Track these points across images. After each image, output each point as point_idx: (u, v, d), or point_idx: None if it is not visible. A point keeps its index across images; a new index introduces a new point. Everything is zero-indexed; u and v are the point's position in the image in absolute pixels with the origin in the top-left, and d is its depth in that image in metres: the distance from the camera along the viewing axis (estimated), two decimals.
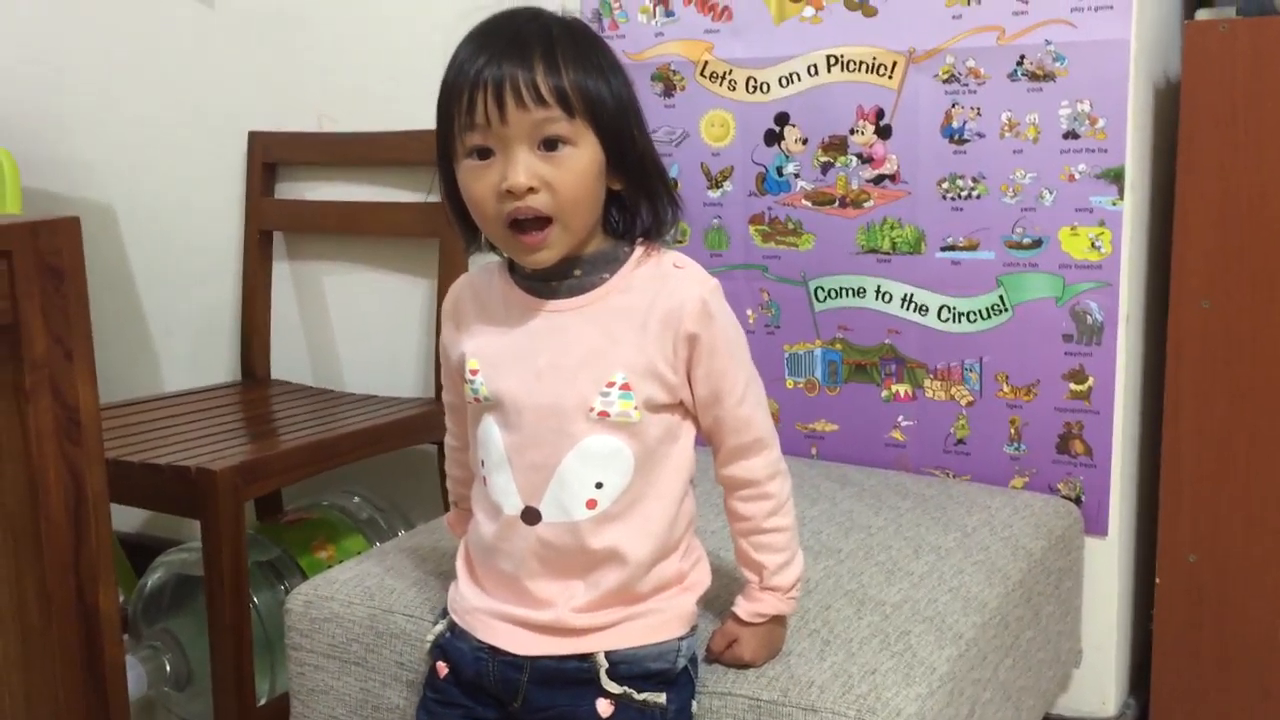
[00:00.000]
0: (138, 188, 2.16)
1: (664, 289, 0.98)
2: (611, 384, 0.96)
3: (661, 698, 0.99)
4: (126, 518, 2.16)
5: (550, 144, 0.93)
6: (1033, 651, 1.32)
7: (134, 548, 2.04)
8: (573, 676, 0.99)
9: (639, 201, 1.00)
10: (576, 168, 0.94)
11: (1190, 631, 1.48)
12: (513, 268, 1.03)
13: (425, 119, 1.79)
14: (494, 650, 1.00)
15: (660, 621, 0.99)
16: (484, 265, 1.06)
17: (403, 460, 1.86)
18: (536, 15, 0.97)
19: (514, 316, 1.01)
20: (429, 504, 1.84)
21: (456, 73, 0.94)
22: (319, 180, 1.98)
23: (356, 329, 2.01)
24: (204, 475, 1.43)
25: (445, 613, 1.07)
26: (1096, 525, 1.50)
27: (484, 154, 0.94)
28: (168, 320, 2.18)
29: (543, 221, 0.94)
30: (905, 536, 1.32)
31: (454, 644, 1.04)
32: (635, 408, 0.97)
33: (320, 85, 1.95)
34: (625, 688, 0.98)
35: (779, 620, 1.05)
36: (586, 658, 0.98)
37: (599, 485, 0.97)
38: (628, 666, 0.98)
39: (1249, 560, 1.43)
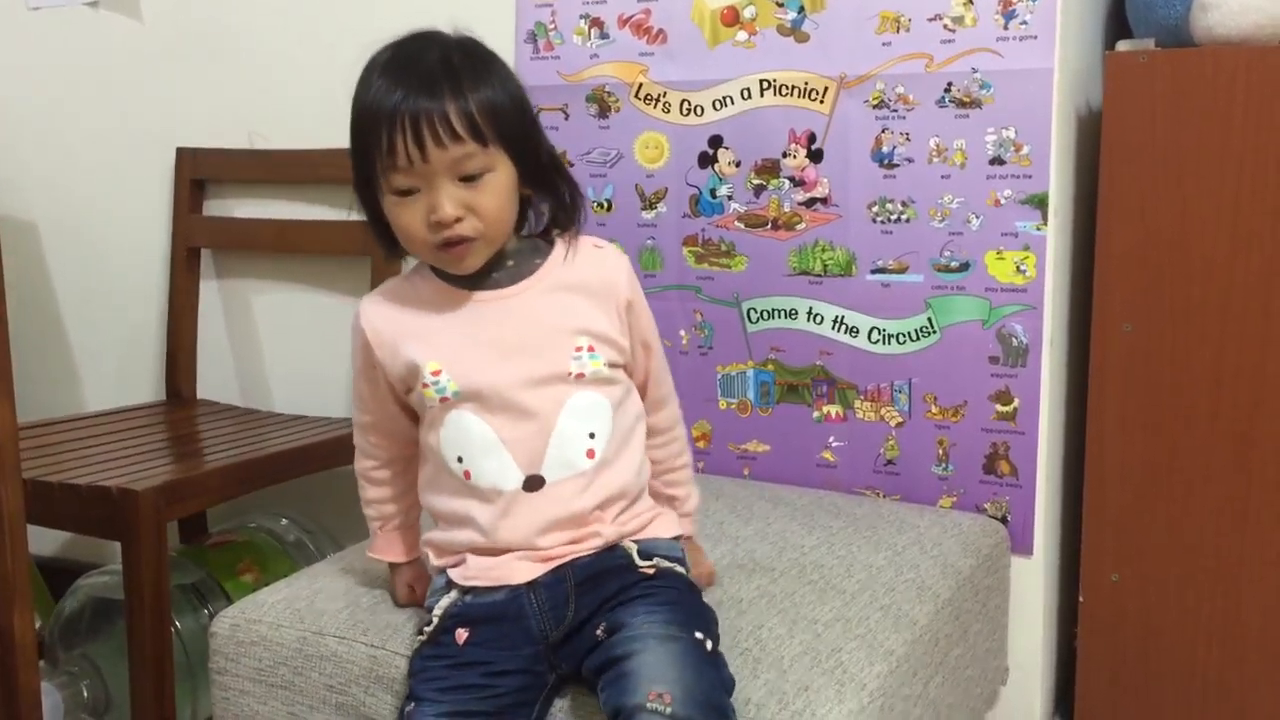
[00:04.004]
0: (61, 203, 2.11)
1: (595, 265, 1.09)
2: (580, 348, 1.05)
3: (682, 569, 1.08)
4: (44, 540, 2.10)
5: (470, 177, 1.00)
6: (961, 669, 1.33)
7: (52, 571, 1.98)
8: (611, 565, 1.05)
9: (546, 199, 1.08)
10: (497, 189, 1.02)
11: (1113, 649, 1.51)
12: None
13: None
14: (531, 584, 1.03)
15: (669, 520, 1.12)
16: (396, 278, 1.11)
17: (332, 481, 1.83)
18: (432, 42, 1.02)
19: (459, 312, 1.06)
20: (359, 526, 1.80)
21: (372, 109, 1.00)
22: (249, 198, 1.95)
23: (286, 348, 1.98)
24: (125, 496, 1.40)
25: (447, 586, 1.07)
26: (1022, 545, 1.52)
27: (408, 192, 1.00)
28: (90, 339, 2.13)
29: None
30: (837, 555, 1.33)
31: (477, 604, 1.05)
32: (604, 364, 1.06)
33: (252, 102, 1.92)
34: (656, 560, 1.06)
35: (696, 543, 1.21)
36: (616, 547, 1.06)
37: (592, 435, 1.05)
38: (650, 550, 1.07)
39: (1170, 580, 1.47)
